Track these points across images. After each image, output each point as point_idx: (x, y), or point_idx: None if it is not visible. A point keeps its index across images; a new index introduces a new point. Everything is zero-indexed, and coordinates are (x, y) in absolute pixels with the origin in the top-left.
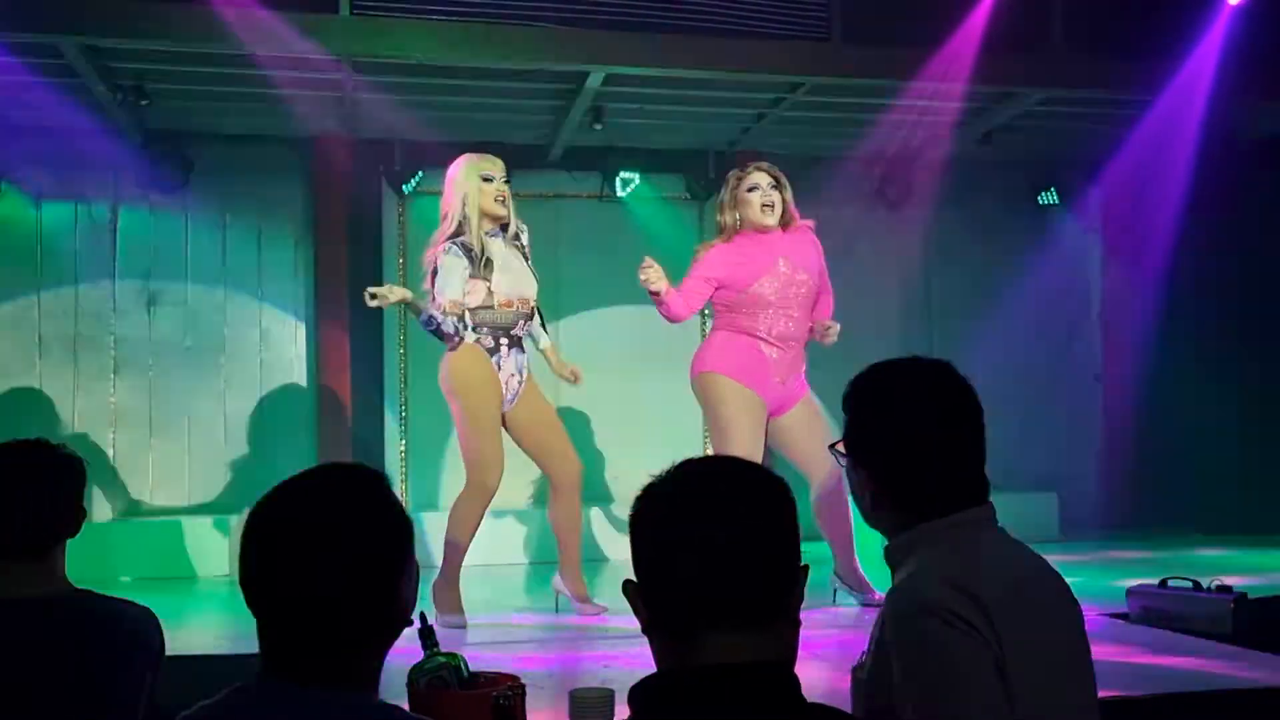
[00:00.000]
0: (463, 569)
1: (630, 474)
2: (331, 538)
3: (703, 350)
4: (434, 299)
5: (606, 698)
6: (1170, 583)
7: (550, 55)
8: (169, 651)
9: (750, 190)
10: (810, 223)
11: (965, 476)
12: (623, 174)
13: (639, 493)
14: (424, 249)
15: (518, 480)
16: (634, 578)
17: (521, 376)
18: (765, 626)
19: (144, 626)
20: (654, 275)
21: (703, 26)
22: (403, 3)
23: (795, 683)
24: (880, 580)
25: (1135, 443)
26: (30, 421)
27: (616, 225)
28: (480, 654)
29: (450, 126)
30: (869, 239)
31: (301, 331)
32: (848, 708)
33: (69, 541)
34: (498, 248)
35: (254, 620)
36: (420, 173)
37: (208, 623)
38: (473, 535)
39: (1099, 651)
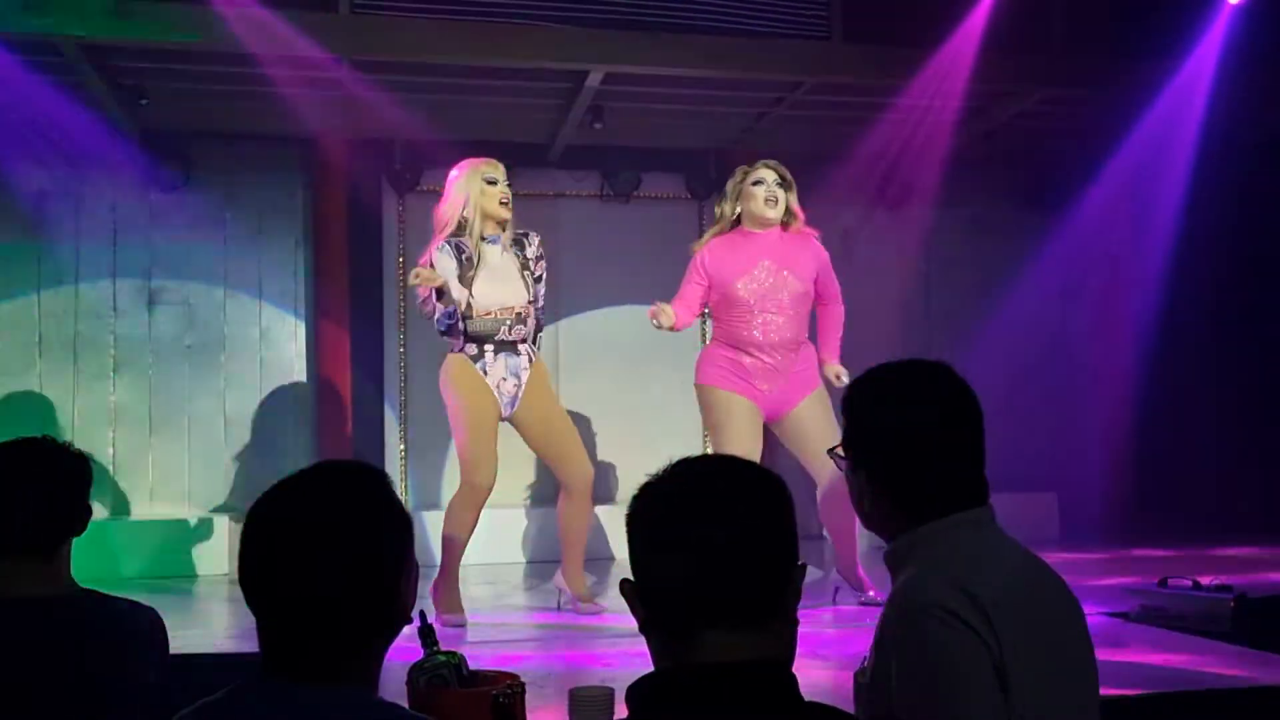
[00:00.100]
0: (462, 568)
1: (628, 473)
2: (331, 536)
3: (696, 363)
4: (427, 301)
5: (606, 696)
6: (1170, 581)
7: (550, 54)
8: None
9: (755, 184)
10: (814, 231)
11: (965, 477)
12: (623, 173)
13: (636, 491)
14: (420, 251)
15: (516, 479)
16: (631, 576)
17: (519, 380)
18: (763, 625)
19: (149, 627)
20: (665, 318)
21: (703, 26)
22: (402, 1)
23: (793, 681)
24: (881, 581)
25: (1135, 443)
26: (30, 421)
27: (616, 225)
28: (480, 652)
29: (450, 125)
30: (869, 239)
31: (301, 330)
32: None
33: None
34: (492, 254)
35: (254, 619)
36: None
37: (208, 622)
38: (469, 533)
39: (1099, 650)
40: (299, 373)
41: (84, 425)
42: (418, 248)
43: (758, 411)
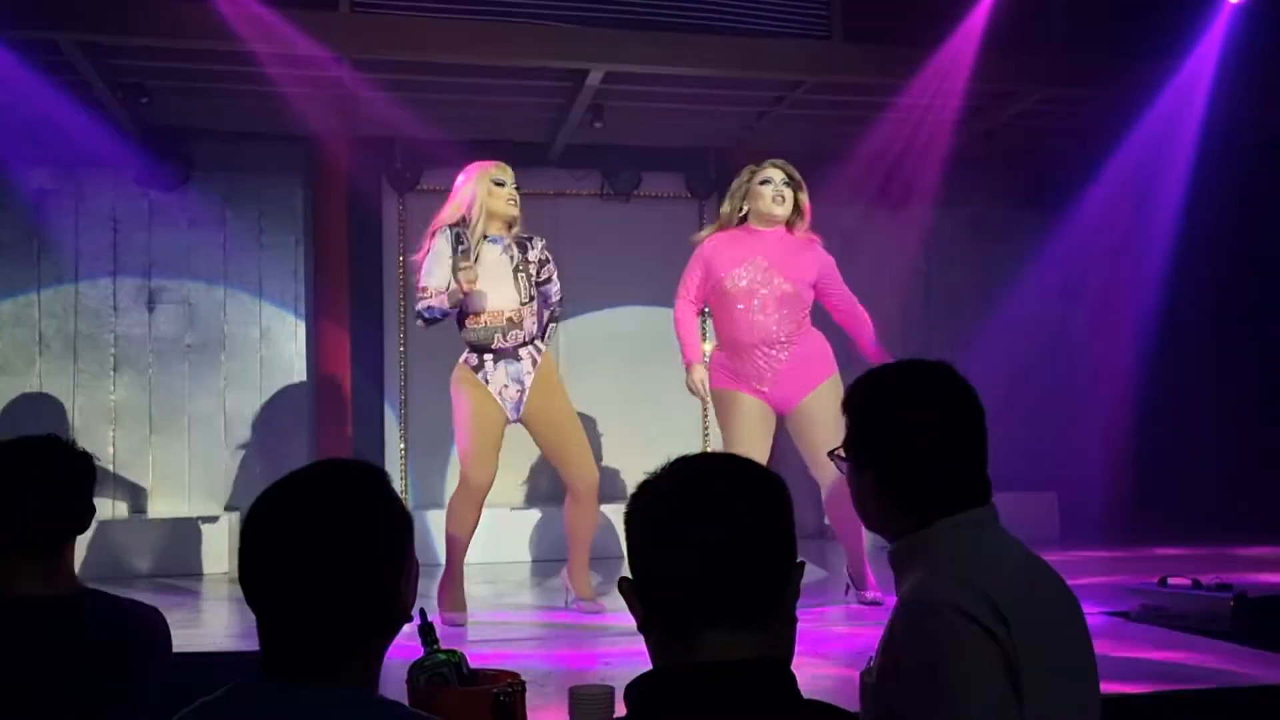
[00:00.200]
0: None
1: (628, 473)
2: (331, 536)
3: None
4: (418, 285)
5: (606, 695)
6: (1170, 581)
7: (550, 53)
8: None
9: (763, 183)
10: (816, 237)
11: (967, 477)
12: (623, 172)
13: (635, 490)
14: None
15: (517, 479)
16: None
17: (522, 385)
18: (762, 624)
19: (152, 627)
20: (700, 387)
21: (703, 25)
22: (403, 1)
23: (792, 680)
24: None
25: (1135, 443)
26: (30, 420)
27: (617, 224)
28: (480, 651)
29: (450, 124)
30: (869, 239)
31: (301, 329)
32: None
33: None
34: (491, 253)
35: (254, 618)
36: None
37: (208, 621)
38: (470, 531)
39: (1099, 649)
40: (299, 372)
41: (84, 424)
42: (418, 248)
43: (765, 409)
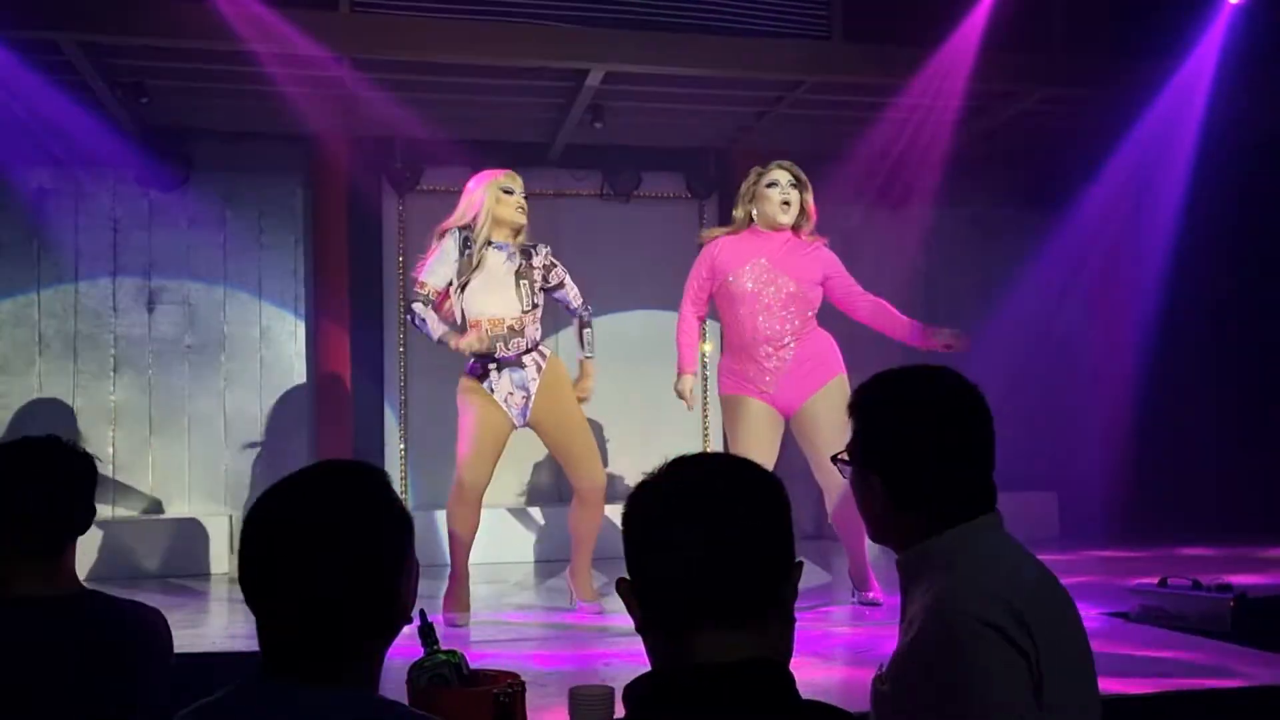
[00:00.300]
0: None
1: (627, 472)
2: (331, 537)
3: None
4: (416, 279)
5: (606, 695)
6: (1170, 581)
7: (550, 53)
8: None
9: (770, 186)
10: (822, 239)
11: (972, 482)
12: (623, 172)
13: (633, 490)
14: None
15: (517, 479)
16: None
17: (527, 391)
18: (760, 624)
19: (153, 628)
20: (687, 395)
21: (702, 24)
22: (403, 1)
23: (790, 680)
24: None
25: (1135, 443)
26: (30, 419)
27: (617, 224)
28: (480, 651)
29: (450, 124)
30: (869, 239)
31: (301, 330)
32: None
33: None
34: (495, 260)
35: (254, 619)
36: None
37: (207, 622)
38: (470, 530)
39: (1099, 650)
40: (299, 373)
41: (84, 424)
42: (418, 248)
43: (771, 412)
